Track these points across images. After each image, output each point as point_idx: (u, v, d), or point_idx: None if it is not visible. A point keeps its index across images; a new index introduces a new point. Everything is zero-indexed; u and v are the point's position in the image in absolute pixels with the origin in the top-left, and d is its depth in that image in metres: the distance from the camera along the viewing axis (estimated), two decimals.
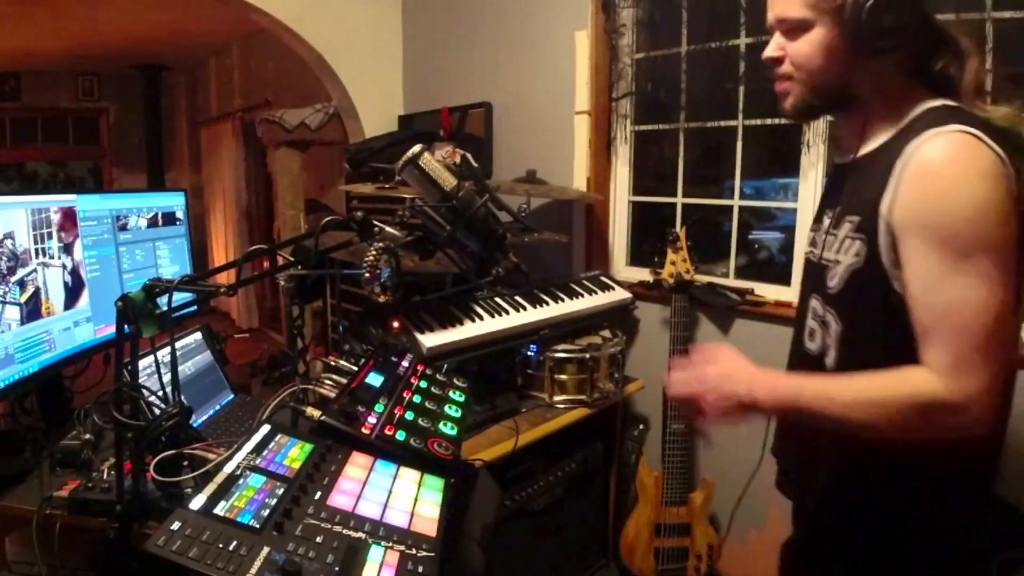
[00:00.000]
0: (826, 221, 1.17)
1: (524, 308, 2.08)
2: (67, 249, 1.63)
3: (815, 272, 1.17)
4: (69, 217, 1.61)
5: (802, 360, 1.20)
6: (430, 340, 1.78)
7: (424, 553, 0.87)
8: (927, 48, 1.05)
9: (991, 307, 0.91)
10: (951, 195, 0.92)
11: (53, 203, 1.59)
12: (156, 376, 1.23)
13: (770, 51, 1.11)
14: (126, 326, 0.98)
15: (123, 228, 1.82)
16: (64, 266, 1.62)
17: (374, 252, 1.12)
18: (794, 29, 1.06)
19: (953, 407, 0.91)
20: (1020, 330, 1.04)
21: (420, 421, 1.18)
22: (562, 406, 2.03)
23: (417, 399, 1.26)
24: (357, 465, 1.01)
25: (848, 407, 0.97)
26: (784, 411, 1.09)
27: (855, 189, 1.09)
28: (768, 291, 2.35)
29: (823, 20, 1.03)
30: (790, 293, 2.29)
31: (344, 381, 1.25)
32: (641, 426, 2.57)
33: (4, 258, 1.45)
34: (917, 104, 1.04)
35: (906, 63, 1.05)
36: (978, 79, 1.07)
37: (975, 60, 1.07)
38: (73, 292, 1.64)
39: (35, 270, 1.53)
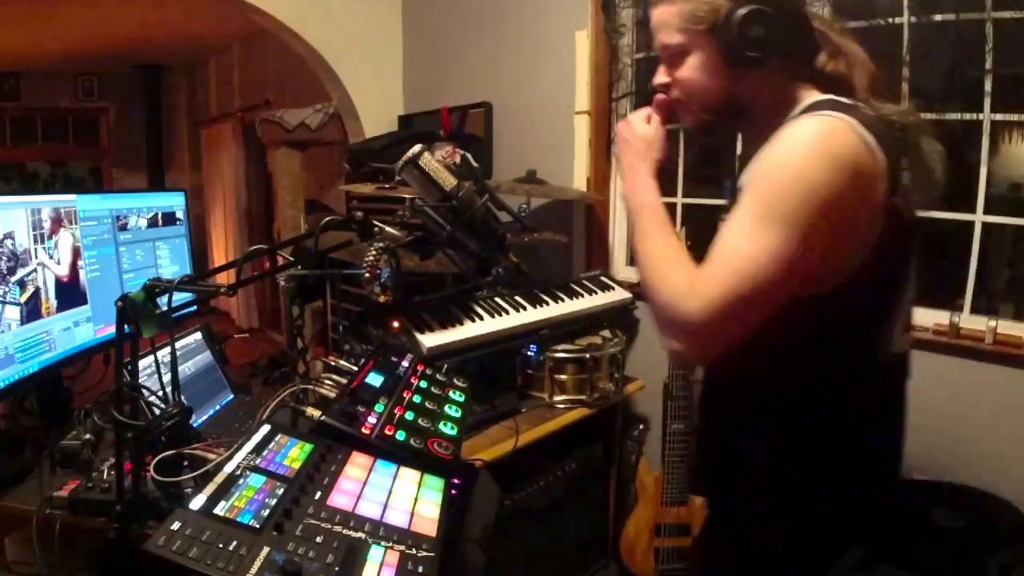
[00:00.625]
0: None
1: (524, 308, 2.08)
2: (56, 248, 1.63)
3: None
4: (56, 220, 1.60)
5: None
6: (430, 340, 1.78)
7: (424, 553, 0.87)
8: (809, 51, 1.08)
9: (757, 271, 0.93)
10: (783, 163, 0.95)
11: (53, 203, 1.59)
12: (156, 376, 1.23)
13: (657, 79, 1.15)
14: (126, 326, 0.98)
15: (123, 228, 1.82)
16: (52, 266, 1.61)
17: (374, 252, 1.12)
18: (675, 55, 1.09)
19: (681, 313, 0.96)
20: (902, 339, 1.07)
21: (420, 421, 1.18)
22: (562, 406, 2.03)
23: (417, 399, 1.26)
24: (357, 465, 1.01)
25: (645, 244, 1.07)
26: (627, 203, 1.17)
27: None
28: None
29: (699, 43, 1.06)
30: None
31: (344, 381, 1.25)
32: (641, 426, 2.57)
33: (4, 258, 1.45)
34: (804, 101, 1.06)
35: (793, 68, 1.07)
36: (872, 79, 1.09)
37: (865, 63, 1.10)
38: (68, 293, 1.64)
39: (35, 270, 1.53)
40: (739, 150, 2.53)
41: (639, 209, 1.12)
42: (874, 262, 0.97)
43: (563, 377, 2.05)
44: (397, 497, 0.97)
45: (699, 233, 2.53)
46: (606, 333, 2.24)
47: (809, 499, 1.10)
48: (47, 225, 1.57)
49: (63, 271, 1.62)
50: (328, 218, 1.26)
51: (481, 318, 1.96)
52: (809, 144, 0.94)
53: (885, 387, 1.10)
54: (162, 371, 1.20)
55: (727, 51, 1.03)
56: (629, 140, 1.18)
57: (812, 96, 1.07)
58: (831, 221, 0.93)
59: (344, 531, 0.86)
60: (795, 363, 1.04)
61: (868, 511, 1.15)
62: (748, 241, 0.94)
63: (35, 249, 1.53)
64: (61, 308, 1.60)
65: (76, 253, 1.66)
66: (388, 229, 1.22)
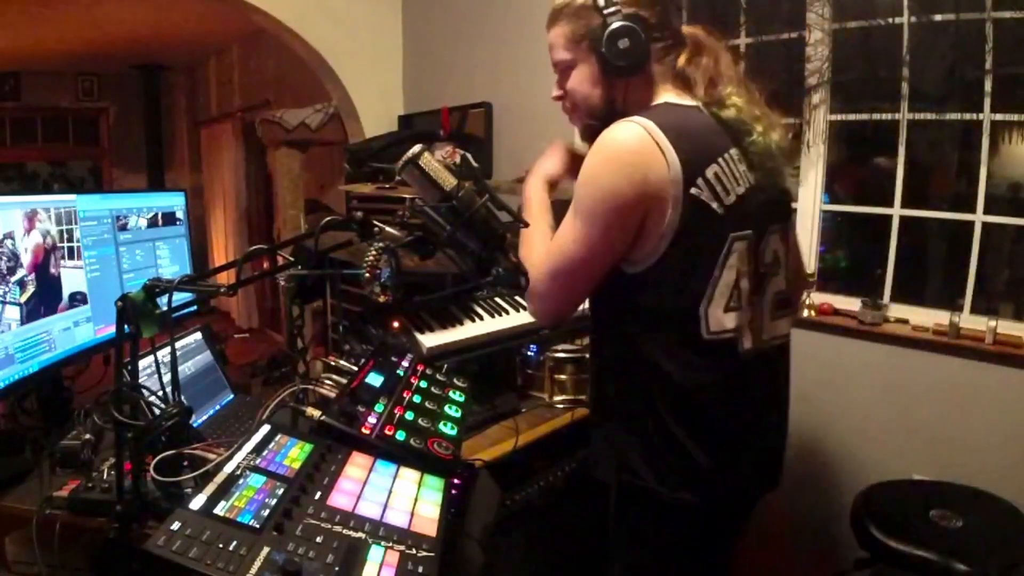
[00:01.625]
0: None
1: (524, 308, 2.07)
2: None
3: None
4: (28, 217, 1.55)
5: None
6: (430, 340, 1.78)
7: (424, 553, 0.87)
8: (674, 57, 1.24)
9: (567, 252, 1.19)
10: (585, 169, 1.16)
11: (53, 203, 1.59)
12: (156, 376, 1.23)
13: (554, 92, 1.33)
14: (126, 326, 0.98)
15: (123, 228, 1.82)
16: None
17: (374, 252, 1.12)
18: (565, 70, 1.27)
19: (530, 291, 1.21)
20: (733, 316, 1.17)
21: (420, 421, 1.18)
22: (562, 406, 2.03)
23: (417, 399, 1.26)
24: (357, 465, 1.01)
25: (528, 231, 1.30)
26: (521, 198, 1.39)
27: None
28: None
29: (582, 57, 1.23)
30: None
31: (344, 381, 1.25)
32: None
33: (4, 258, 1.45)
34: (657, 102, 1.24)
35: (659, 73, 1.24)
36: (708, 72, 1.24)
37: (710, 54, 1.26)
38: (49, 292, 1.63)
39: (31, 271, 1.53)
40: (807, 150, 2.53)
41: (526, 202, 1.37)
42: (682, 246, 1.12)
43: (563, 377, 2.04)
44: (397, 497, 0.97)
45: None
46: None
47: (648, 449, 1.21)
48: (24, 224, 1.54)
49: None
50: (328, 218, 1.25)
51: (481, 318, 1.96)
52: (603, 151, 1.14)
53: (715, 363, 1.18)
54: (162, 371, 1.20)
55: (602, 63, 1.20)
56: (540, 159, 1.43)
57: (665, 99, 1.23)
58: (623, 215, 1.12)
59: (344, 531, 0.86)
60: (627, 331, 1.21)
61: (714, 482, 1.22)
62: (563, 231, 1.20)
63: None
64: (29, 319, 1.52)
65: (47, 252, 1.62)
66: (388, 229, 1.22)
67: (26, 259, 1.55)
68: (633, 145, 1.11)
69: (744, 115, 1.21)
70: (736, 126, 1.20)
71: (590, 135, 1.29)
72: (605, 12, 1.18)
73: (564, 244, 1.19)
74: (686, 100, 1.22)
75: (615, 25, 1.17)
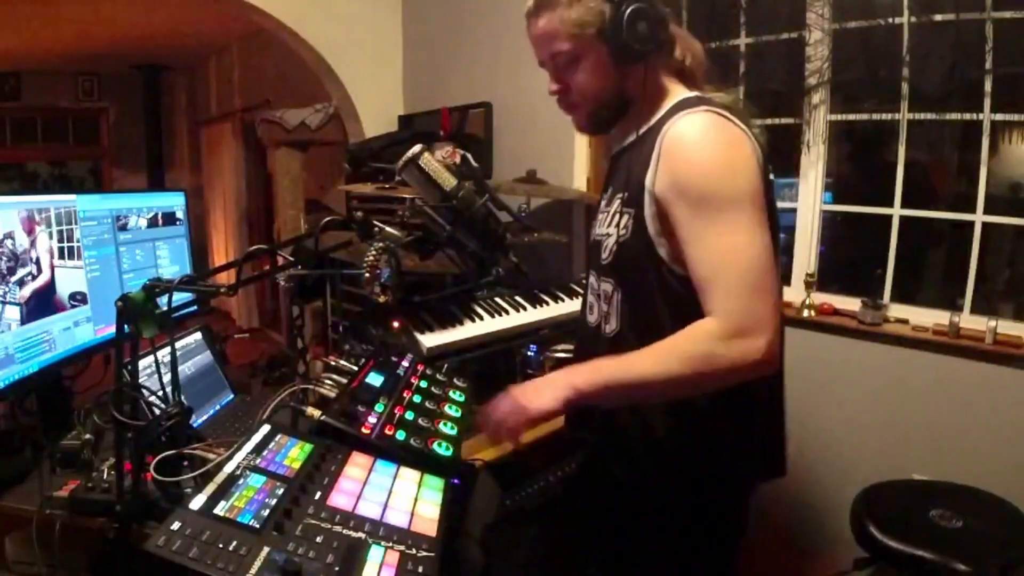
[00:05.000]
0: (601, 203, 1.28)
1: (524, 308, 2.07)
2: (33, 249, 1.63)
3: (593, 250, 1.26)
4: (29, 217, 1.55)
5: (585, 334, 1.32)
6: (430, 340, 1.78)
7: (424, 553, 0.87)
8: (670, 45, 1.19)
9: (755, 248, 1.00)
10: (699, 160, 1.04)
11: (53, 203, 1.59)
12: (156, 376, 1.23)
13: (553, 88, 1.22)
14: (126, 326, 0.98)
15: (123, 228, 1.82)
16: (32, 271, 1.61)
17: (374, 252, 1.12)
18: (567, 62, 1.17)
19: (736, 336, 0.97)
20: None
21: (420, 421, 1.18)
22: None
23: (417, 399, 1.26)
24: (357, 465, 1.01)
25: (646, 366, 1.03)
26: (600, 389, 1.07)
27: (625, 170, 1.19)
28: None
29: (589, 46, 1.13)
30: (790, 293, 2.29)
31: (344, 381, 1.25)
32: None
33: (4, 258, 1.45)
34: (673, 95, 1.17)
35: (663, 61, 1.18)
36: (705, 72, 1.22)
37: (700, 55, 1.23)
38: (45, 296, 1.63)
39: (34, 270, 1.53)
40: (807, 150, 2.54)
41: (607, 379, 1.07)
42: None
43: None
44: (397, 497, 0.97)
45: None
46: None
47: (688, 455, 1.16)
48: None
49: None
50: (328, 218, 1.26)
51: (481, 318, 1.96)
52: (708, 135, 1.05)
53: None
54: (162, 371, 1.20)
55: (616, 50, 1.11)
56: (527, 392, 1.11)
57: (678, 90, 1.18)
58: (761, 188, 1.03)
59: (344, 531, 0.86)
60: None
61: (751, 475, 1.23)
62: (726, 237, 1.00)
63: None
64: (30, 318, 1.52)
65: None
66: (388, 229, 1.22)
67: (31, 258, 1.55)
68: (733, 127, 1.06)
69: (739, 108, 1.17)
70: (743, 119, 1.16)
71: (596, 126, 1.25)
72: None
73: (741, 247, 1.00)
74: (695, 93, 1.18)
75: (632, 6, 1.09)
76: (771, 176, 1.13)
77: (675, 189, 1.04)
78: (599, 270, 1.24)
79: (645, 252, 1.11)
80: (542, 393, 1.08)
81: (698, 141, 1.05)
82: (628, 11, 1.08)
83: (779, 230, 1.14)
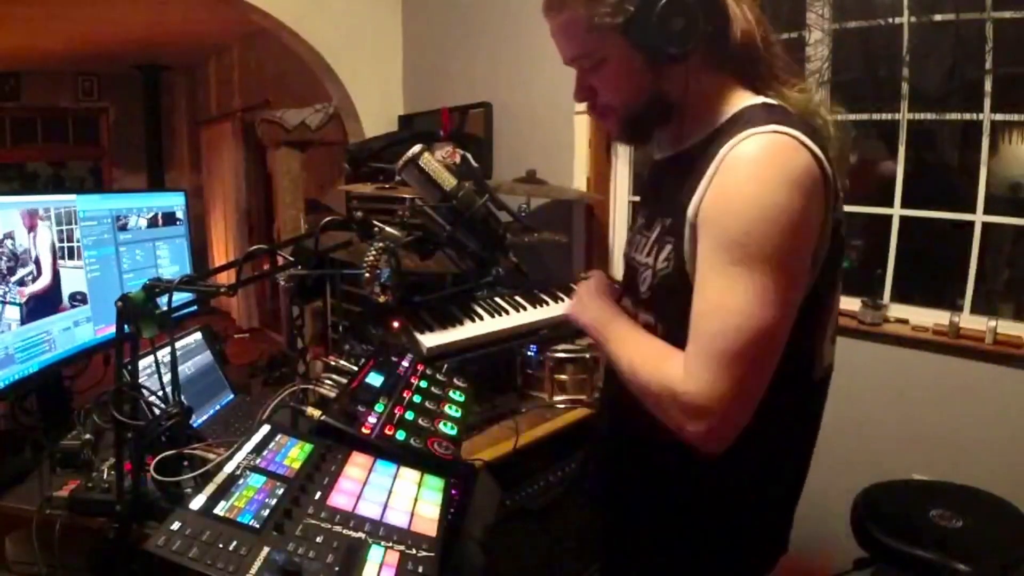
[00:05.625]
0: (640, 220, 1.14)
1: (524, 308, 2.07)
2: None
3: (629, 274, 1.13)
4: (32, 214, 1.55)
5: None
6: (430, 340, 1.78)
7: (424, 553, 0.87)
8: (724, 34, 0.97)
9: (754, 320, 0.84)
10: (746, 197, 0.86)
11: (53, 203, 1.59)
12: (156, 376, 1.23)
13: (579, 93, 1.06)
14: (126, 326, 0.98)
15: (123, 228, 1.82)
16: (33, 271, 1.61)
17: (374, 252, 1.12)
18: (592, 63, 1.00)
19: (687, 405, 0.87)
20: (830, 351, 1.04)
21: (420, 421, 1.18)
22: (562, 406, 2.03)
23: (417, 399, 1.26)
24: (357, 465, 1.01)
25: (624, 353, 1.00)
26: (593, 338, 1.13)
27: (669, 189, 1.02)
28: None
29: (616, 47, 0.96)
30: None
31: (344, 381, 1.25)
32: None
33: (4, 258, 1.45)
34: (732, 101, 0.99)
35: (710, 57, 0.98)
36: (781, 62, 1.01)
37: (771, 35, 1.01)
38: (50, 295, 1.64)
39: (33, 270, 1.53)
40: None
41: (601, 327, 1.08)
42: (816, 278, 0.92)
43: (563, 377, 2.05)
44: (397, 497, 0.97)
45: None
46: None
47: (725, 517, 1.08)
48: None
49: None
50: (328, 218, 1.26)
51: (481, 318, 1.96)
52: (769, 171, 0.86)
53: (814, 404, 1.07)
54: (162, 371, 1.20)
55: (648, 49, 0.94)
56: (581, 295, 1.19)
57: (738, 96, 0.99)
58: (807, 247, 0.88)
59: (344, 531, 0.86)
60: None
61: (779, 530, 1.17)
62: (728, 293, 0.86)
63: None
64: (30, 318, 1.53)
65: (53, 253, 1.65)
66: (388, 229, 1.22)
67: (31, 258, 1.55)
68: (799, 159, 0.86)
69: (817, 110, 1.00)
70: (821, 126, 0.98)
71: (631, 135, 1.11)
72: None
73: (736, 311, 0.85)
74: (760, 99, 0.98)
75: (666, 1, 0.91)
76: (839, 210, 0.94)
77: (709, 220, 0.90)
78: (636, 301, 1.09)
79: (684, 290, 0.94)
80: (577, 307, 1.18)
81: (752, 174, 0.87)
82: (661, 5, 0.91)
83: (834, 286, 0.99)
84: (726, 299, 0.86)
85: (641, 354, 0.98)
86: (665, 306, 1.02)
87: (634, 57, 0.96)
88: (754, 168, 0.87)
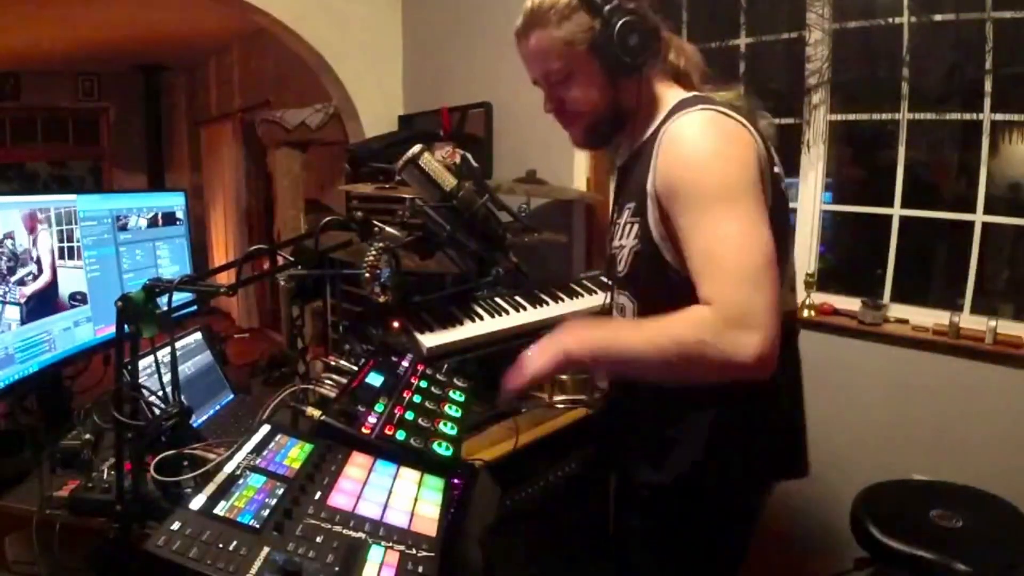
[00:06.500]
0: (613, 216, 1.27)
1: (524, 308, 2.07)
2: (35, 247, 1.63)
3: (610, 264, 1.25)
4: (32, 216, 1.56)
5: None
6: (430, 340, 1.78)
7: (424, 553, 0.87)
8: (663, 51, 1.17)
9: (750, 239, 0.95)
10: (693, 154, 1.01)
11: (53, 203, 1.59)
12: (156, 376, 1.23)
13: (549, 105, 1.21)
14: (126, 326, 0.98)
15: (123, 228, 1.82)
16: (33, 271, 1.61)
17: (374, 252, 1.12)
18: (560, 79, 1.16)
19: (734, 329, 0.91)
20: (791, 298, 1.16)
21: (420, 421, 1.18)
22: (562, 406, 2.03)
23: (417, 399, 1.26)
24: (357, 465, 1.01)
25: (636, 341, 1.03)
26: (596, 358, 1.12)
27: (630, 179, 1.18)
28: None
29: (581, 62, 1.12)
30: None
31: (344, 381, 1.25)
32: None
33: (4, 258, 1.45)
34: (671, 98, 1.16)
35: (656, 68, 1.17)
36: (702, 73, 1.21)
37: (695, 56, 1.22)
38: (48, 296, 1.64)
39: (33, 270, 1.53)
40: (807, 150, 2.53)
41: (606, 343, 1.08)
42: (771, 225, 1.01)
43: (563, 377, 2.04)
44: (397, 497, 0.97)
45: None
46: None
47: (724, 456, 1.16)
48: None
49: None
50: (328, 218, 1.26)
51: (481, 318, 1.96)
52: (710, 131, 1.02)
53: (788, 348, 1.11)
54: (162, 371, 1.20)
55: (608, 64, 1.10)
56: (538, 349, 1.16)
57: (675, 93, 1.17)
58: (759, 181, 1.01)
59: (344, 531, 0.86)
60: None
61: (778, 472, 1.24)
62: (719, 227, 0.96)
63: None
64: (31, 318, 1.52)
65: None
66: (388, 229, 1.22)
67: (31, 258, 1.55)
68: (730, 123, 1.04)
69: (741, 105, 1.15)
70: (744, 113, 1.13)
71: (593, 141, 1.26)
72: (605, 8, 1.08)
73: (734, 236, 0.96)
74: (692, 93, 1.17)
75: (623, 21, 1.08)
76: (778, 169, 1.11)
77: (670, 187, 1.03)
78: (616, 284, 1.24)
79: (655, 260, 1.09)
80: (540, 354, 1.13)
81: (692, 136, 1.03)
82: (619, 25, 1.07)
83: (791, 228, 1.13)
84: (721, 232, 0.96)
85: (656, 330, 1.00)
86: (639, 279, 1.15)
87: (598, 70, 1.12)
88: (693, 131, 1.03)
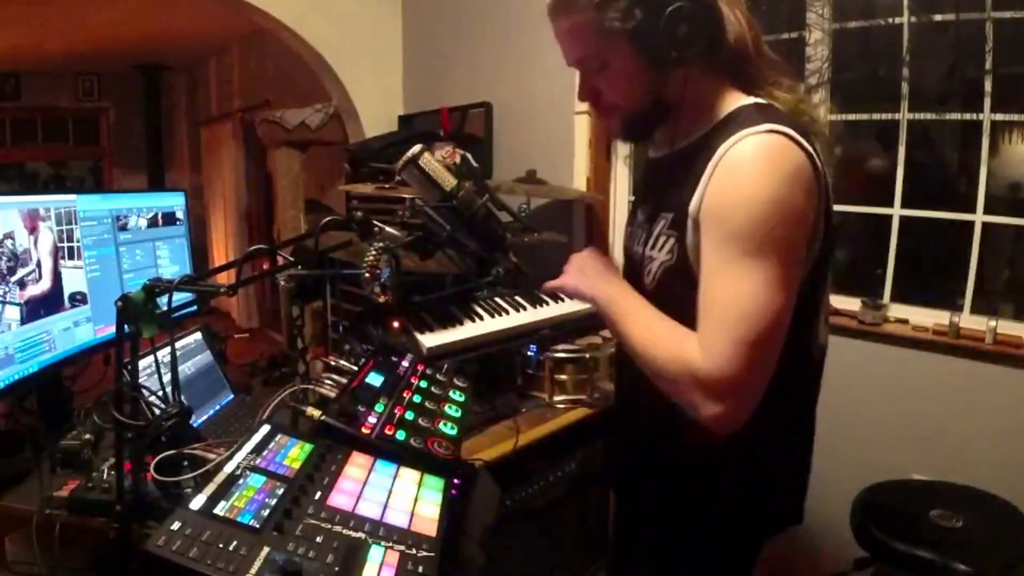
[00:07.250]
0: (640, 216, 1.20)
1: (524, 308, 2.07)
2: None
3: (631, 267, 1.20)
4: (33, 216, 1.56)
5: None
6: (430, 340, 1.78)
7: (424, 553, 0.87)
8: (720, 39, 1.02)
9: (764, 306, 0.91)
10: (749, 193, 0.92)
11: (53, 203, 1.59)
12: (156, 376, 1.23)
13: (584, 94, 1.10)
14: (126, 326, 0.98)
15: (123, 228, 1.82)
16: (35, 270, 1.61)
17: (374, 252, 1.12)
18: (596, 66, 1.05)
19: (708, 387, 0.92)
20: (824, 331, 1.12)
21: (420, 421, 1.18)
22: (562, 406, 2.03)
23: (417, 399, 1.26)
24: (357, 465, 1.01)
25: (638, 333, 1.03)
26: (603, 314, 1.13)
27: (669, 185, 1.08)
28: None
29: (621, 48, 1.00)
30: None
31: (344, 381, 1.25)
32: None
33: (4, 258, 1.45)
34: (726, 101, 1.05)
35: (707, 61, 1.03)
36: (769, 60, 1.07)
37: (760, 40, 1.07)
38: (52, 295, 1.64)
39: (35, 270, 1.53)
40: None
41: (611, 302, 1.10)
42: (813, 265, 0.99)
43: (563, 377, 2.04)
44: (397, 497, 0.97)
45: None
46: (606, 333, 2.24)
47: (735, 495, 1.12)
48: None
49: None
50: (328, 218, 1.25)
51: (481, 318, 1.96)
52: (768, 167, 0.93)
53: (812, 382, 1.14)
54: (162, 371, 1.20)
55: (651, 53, 0.99)
56: (583, 267, 1.21)
57: (732, 97, 1.05)
58: (805, 236, 0.95)
59: (344, 531, 0.86)
60: None
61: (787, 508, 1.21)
62: (741, 282, 0.92)
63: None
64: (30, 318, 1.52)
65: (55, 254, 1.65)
66: (388, 229, 1.22)
67: (31, 258, 1.55)
68: (794, 156, 0.93)
69: (806, 108, 1.06)
70: (809, 123, 1.04)
71: (633, 134, 1.18)
72: None
73: (747, 302, 0.91)
74: (752, 99, 1.04)
75: (673, 7, 0.94)
76: (829, 202, 1.01)
77: (714, 216, 0.96)
78: (639, 292, 1.13)
79: (687, 279, 1.02)
80: (583, 280, 1.18)
81: (754, 174, 0.93)
82: (667, 13, 0.94)
83: (826, 273, 1.06)
84: (739, 287, 0.92)
85: (656, 334, 1.01)
86: (668, 296, 1.06)
87: (639, 61, 1.00)
88: (753, 166, 0.93)
